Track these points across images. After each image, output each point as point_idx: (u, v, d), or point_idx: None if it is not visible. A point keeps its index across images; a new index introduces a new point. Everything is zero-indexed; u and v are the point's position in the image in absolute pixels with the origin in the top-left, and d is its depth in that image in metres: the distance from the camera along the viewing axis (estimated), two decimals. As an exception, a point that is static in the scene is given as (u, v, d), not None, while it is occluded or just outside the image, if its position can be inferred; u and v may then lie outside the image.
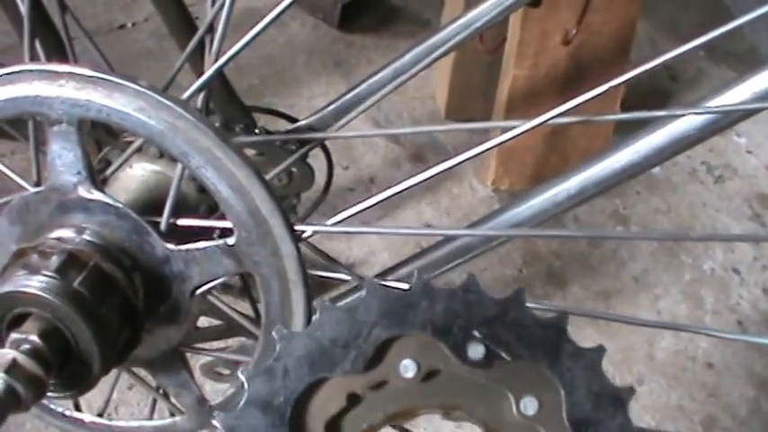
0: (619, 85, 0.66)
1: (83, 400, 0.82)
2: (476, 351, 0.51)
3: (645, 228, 1.79)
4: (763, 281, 1.68)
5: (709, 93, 0.69)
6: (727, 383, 1.51)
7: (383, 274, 0.82)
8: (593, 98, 0.64)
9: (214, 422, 0.52)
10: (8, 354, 0.62)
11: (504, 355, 0.51)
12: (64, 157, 0.67)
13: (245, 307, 0.86)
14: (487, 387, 0.52)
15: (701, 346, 1.56)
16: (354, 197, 1.76)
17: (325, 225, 0.71)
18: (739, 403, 1.48)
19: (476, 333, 0.51)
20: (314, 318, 0.52)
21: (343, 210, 0.70)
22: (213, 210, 0.83)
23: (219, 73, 1.20)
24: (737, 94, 0.67)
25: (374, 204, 0.70)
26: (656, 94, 2.03)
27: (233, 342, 0.90)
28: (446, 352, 0.51)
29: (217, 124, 1.20)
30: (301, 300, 0.69)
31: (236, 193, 0.66)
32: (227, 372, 0.95)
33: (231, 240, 0.68)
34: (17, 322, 0.65)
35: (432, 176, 0.69)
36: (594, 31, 1.62)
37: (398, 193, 0.69)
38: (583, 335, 1.54)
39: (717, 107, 0.68)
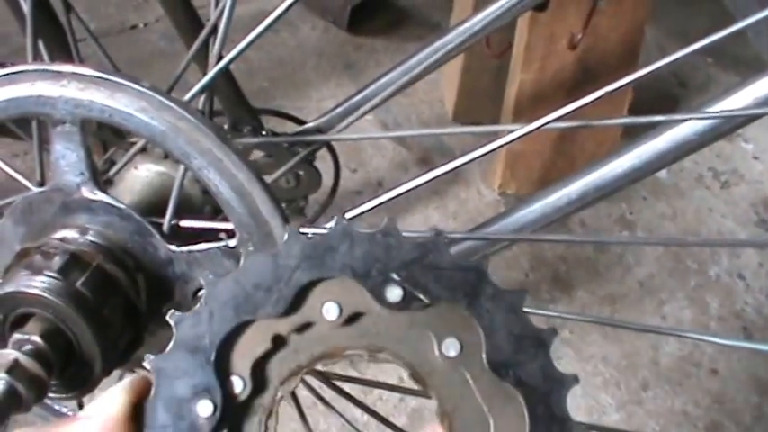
0: (619, 89, 0.66)
1: (86, 401, 0.82)
2: (393, 293, 0.51)
3: (651, 233, 1.78)
4: (769, 286, 1.68)
5: (711, 98, 0.69)
6: (732, 389, 1.51)
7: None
8: (592, 102, 0.64)
9: (144, 364, 0.53)
10: (10, 354, 0.61)
11: (422, 297, 0.51)
12: (67, 158, 0.67)
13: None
14: (411, 329, 0.52)
15: (706, 352, 1.55)
16: (362, 200, 1.76)
17: (327, 228, 0.71)
18: (743, 409, 1.48)
19: (394, 276, 0.51)
20: (240, 263, 0.53)
21: (348, 210, 0.70)
22: (218, 211, 0.83)
23: (228, 75, 1.21)
24: (739, 100, 0.67)
25: (379, 205, 0.70)
26: (664, 99, 2.03)
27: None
28: (366, 294, 0.51)
29: (225, 126, 1.20)
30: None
31: (237, 195, 0.66)
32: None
33: (233, 242, 0.68)
34: (20, 323, 0.65)
35: (435, 178, 0.69)
36: (602, 36, 1.62)
37: (403, 194, 0.69)
38: (588, 340, 1.54)
39: (718, 112, 0.68)
